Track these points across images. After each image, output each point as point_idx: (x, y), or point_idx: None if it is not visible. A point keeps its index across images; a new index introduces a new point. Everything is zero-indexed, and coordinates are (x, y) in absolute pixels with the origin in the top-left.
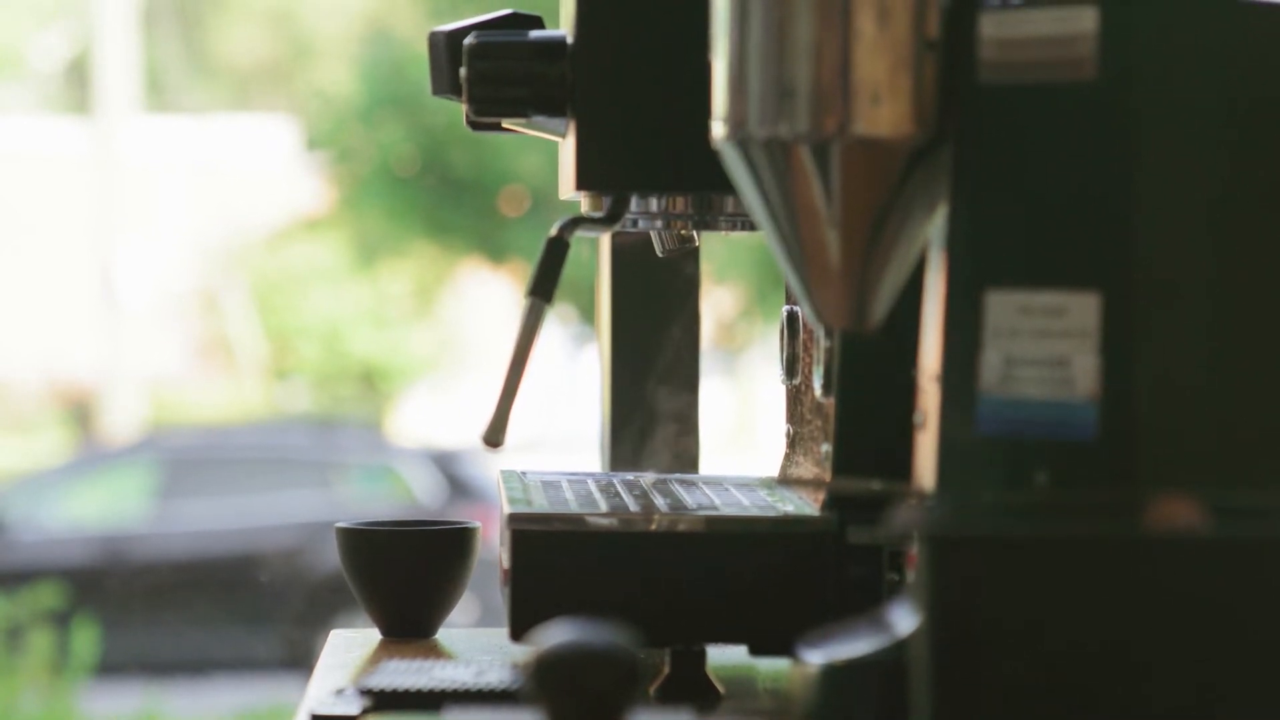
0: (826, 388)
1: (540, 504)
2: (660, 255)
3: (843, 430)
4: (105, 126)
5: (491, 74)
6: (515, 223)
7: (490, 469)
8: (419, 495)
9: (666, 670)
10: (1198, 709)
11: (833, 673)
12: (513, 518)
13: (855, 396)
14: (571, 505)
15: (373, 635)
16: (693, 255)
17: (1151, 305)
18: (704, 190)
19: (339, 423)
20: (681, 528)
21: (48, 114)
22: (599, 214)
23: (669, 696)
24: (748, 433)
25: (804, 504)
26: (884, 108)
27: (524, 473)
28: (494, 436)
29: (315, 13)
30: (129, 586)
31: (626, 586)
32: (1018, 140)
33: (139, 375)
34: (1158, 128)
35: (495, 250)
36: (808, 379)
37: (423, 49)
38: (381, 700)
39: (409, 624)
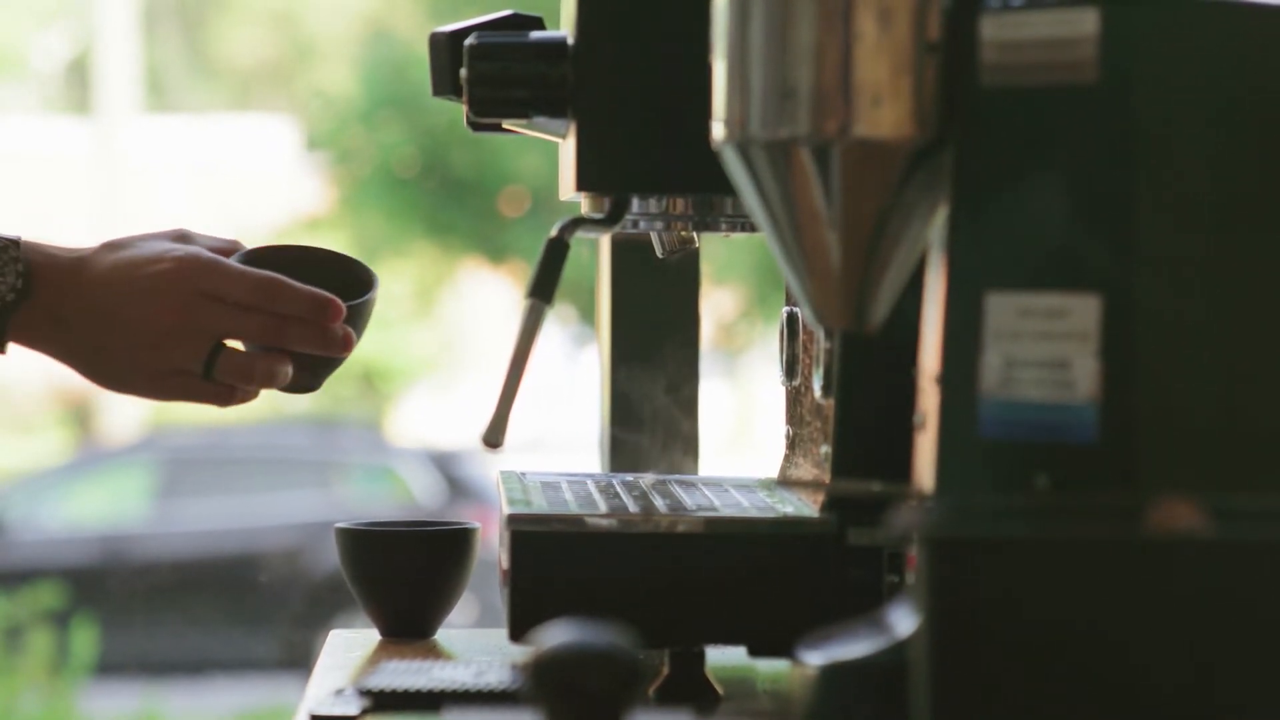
0: (826, 389)
1: (539, 505)
2: (660, 256)
3: (842, 432)
4: (106, 126)
5: (492, 75)
6: (515, 223)
7: (490, 470)
8: (419, 496)
9: (666, 671)
10: (1199, 712)
11: (832, 674)
12: (512, 518)
13: (855, 398)
14: (571, 506)
15: (372, 636)
16: (693, 256)
17: (1152, 307)
18: (704, 192)
19: (339, 423)
20: (681, 529)
21: (48, 114)
22: (599, 215)
23: (668, 697)
24: (747, 434)
25: (803, 505)
26: (885, 110)
27: (523, 473)
28: (494, 437)
29: (316, 13)
30: (128, 586)
31: (626, 587)
32: (1018, 142)
33: None
34: (1159, 130)
35: (495, 251)
36: (807, 380)
37: (423, 50)
38: (381, 701)
39: (408, 624)
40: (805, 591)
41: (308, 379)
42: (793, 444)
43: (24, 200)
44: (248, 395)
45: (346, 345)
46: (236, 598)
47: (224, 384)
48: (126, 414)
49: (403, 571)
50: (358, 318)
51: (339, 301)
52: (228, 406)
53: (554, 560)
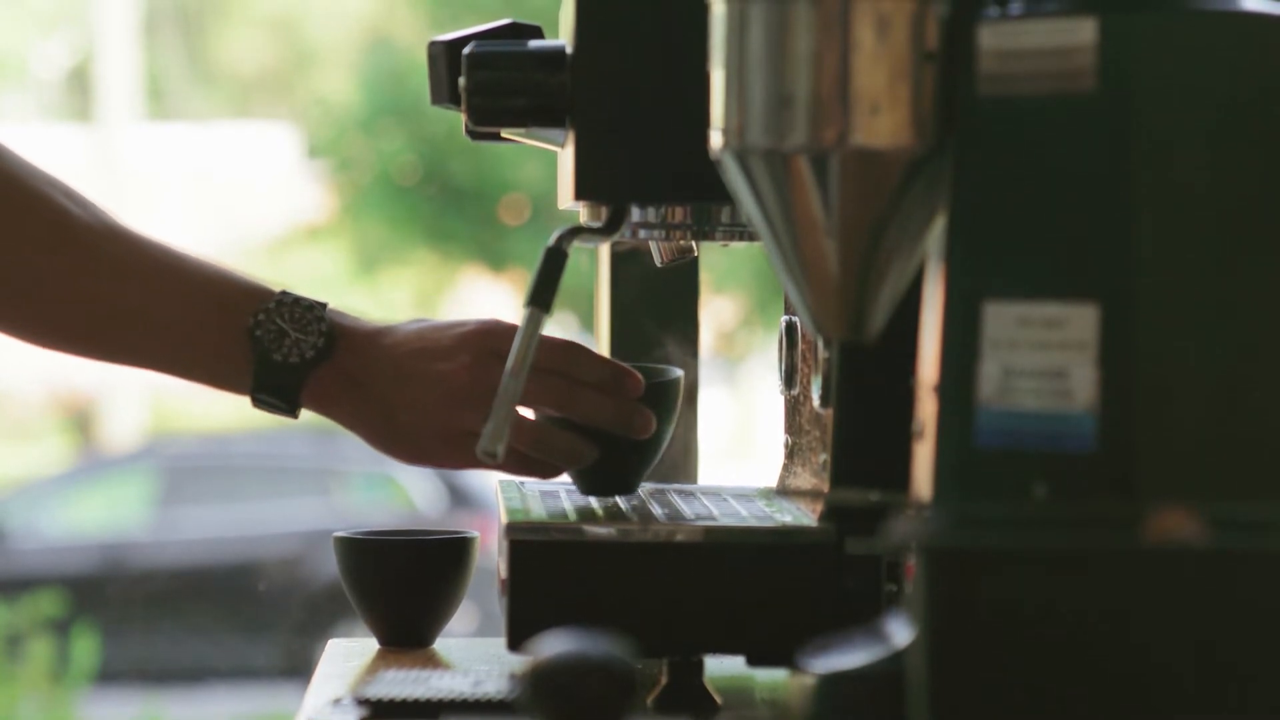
0: (825, 398)
1: (538, 514)
2: (659, 266)
3: (841, 441)
4: (106, 134)
5: (491, 84)
6: (515, 231)
7: (491, 478)
8: (419, 504)
9: (664, 680)
10: None
11: (830, 683)
12: (510, 527)
13: (853, 407)
14: (569, 515)
15: (371, 644)
16: (692, 264)
17: (1150, 317)
18: (703, 201)
19: (339, 431)
20: (679, 538)
21: (49, 121)
22: (597, 224)
23: (666, 707)
24: (748, 441)
25: (802, 514)
26: (883, 119)
27: (522, 482)
28: (491, 447)
29: (316, 21)
30: (129, 594)
31: (624, 597)
32: (1017, 151)
33: (139, 383)
34: (1157, 139)
35: (496, 259)
36: (806, 389)
37: (423, 58)
38: (379, 710)
39: (406, 633)
40: (803, 601)
41: (618, 475)
42: (791, 453)
43: None
44: (546, 470)
45: (643, 426)
46: (236, 606)
47: (517, 450)
48: (127, 422)
49: (400, 581)
50: (661, 402)
51: (638, 375)
52: (524, 476)
53: (552, 569)
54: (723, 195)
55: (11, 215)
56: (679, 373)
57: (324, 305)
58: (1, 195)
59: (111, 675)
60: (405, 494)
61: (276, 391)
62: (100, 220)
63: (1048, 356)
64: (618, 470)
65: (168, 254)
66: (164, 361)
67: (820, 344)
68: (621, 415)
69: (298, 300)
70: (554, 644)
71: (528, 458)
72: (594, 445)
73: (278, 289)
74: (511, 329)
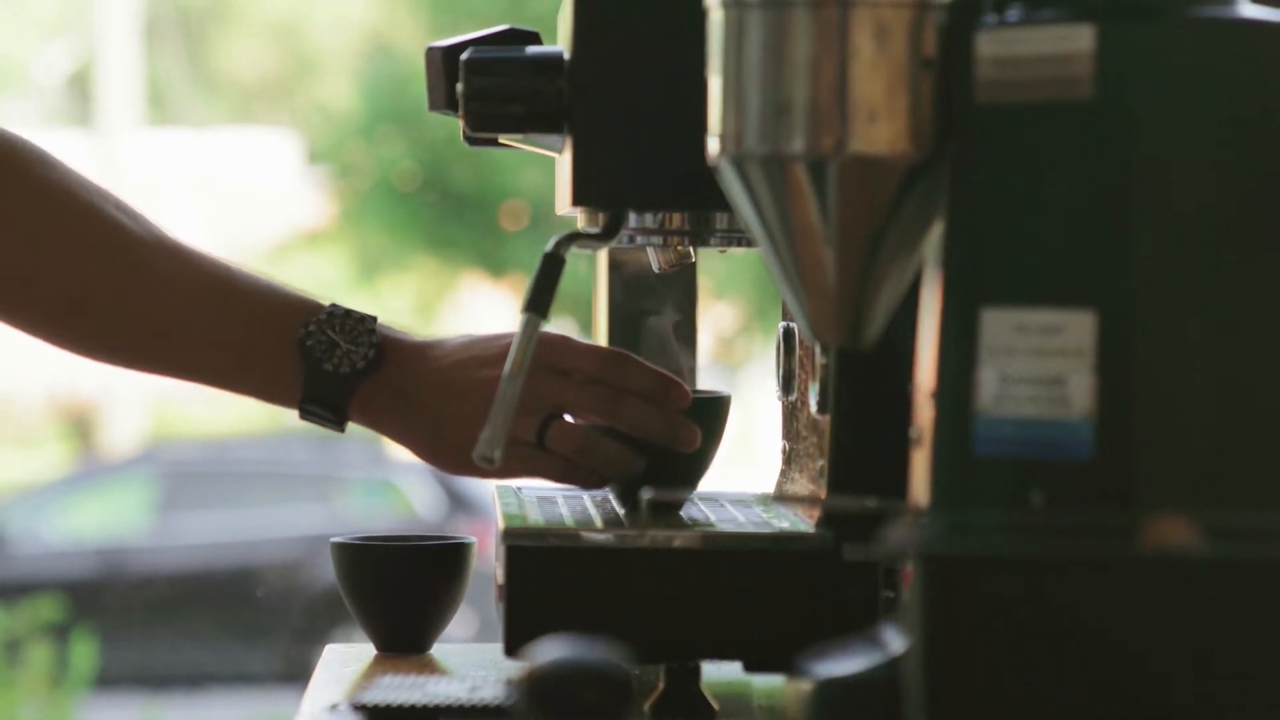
0: (822, 404)
1: (535, 520)
2: (657, 272)
3: (838, 447)
4: (108, 140)
5: (488, 90)
6: (515, 237)
7: (490, 483)
8: (419, 509)
9: (661, 687)
10: None
11: (827, 690)
12: (507, 533)
13: (851, 413)
14: (567, 521)
15: (368, 650)
16: (690, 270)
17: (1148, 324)
18: (700, 207)
19: (339, 437)
20: (677, 544)
21: (50, 127)
22: (595, 229)
23: (663, 713)
24: (747, 447)
25: (799, 521)
26: (881, 126)
27: (520, 488)
28: (489, 452)
29: (317, 27)
30: (128, 600)
31: (621, 603)
32: (1015, 159)
33: (140, 389)
34: (1155, 147)
35: (495, 264)
36: (804, 395)
37: (424, 65)
38: (375, 715)
39: (404, 639)
40: (801, 607)
41: (661, 489)
42: (789, 459)
43: None
44: (591, 478)
45: (689, 439)
46: (235, 611)
47: (561, 457)
48: (127, 428)
49: (397, 586)
50: (707, 417)
51: (685, 386)
52: (569, 484)
53: (549, 575)
54: (721, 202)
55: (64, 228)
56: (727, 393)
57: (374, 318)
58: (54, 208)
59: (110, 680)
60: (405, 499)
61: (325, 402)
62: (152, 234)
63: (1045, 364)
64: (662, 485)
65: (218, 267)
66: (214, 374)
67: (818, 350)
68: (668, 426)
69: (348, 313)
70: (551, 650)
71: (573, 465)
72: (640, 456)
73: (326, 302)
74: (558, 338)
